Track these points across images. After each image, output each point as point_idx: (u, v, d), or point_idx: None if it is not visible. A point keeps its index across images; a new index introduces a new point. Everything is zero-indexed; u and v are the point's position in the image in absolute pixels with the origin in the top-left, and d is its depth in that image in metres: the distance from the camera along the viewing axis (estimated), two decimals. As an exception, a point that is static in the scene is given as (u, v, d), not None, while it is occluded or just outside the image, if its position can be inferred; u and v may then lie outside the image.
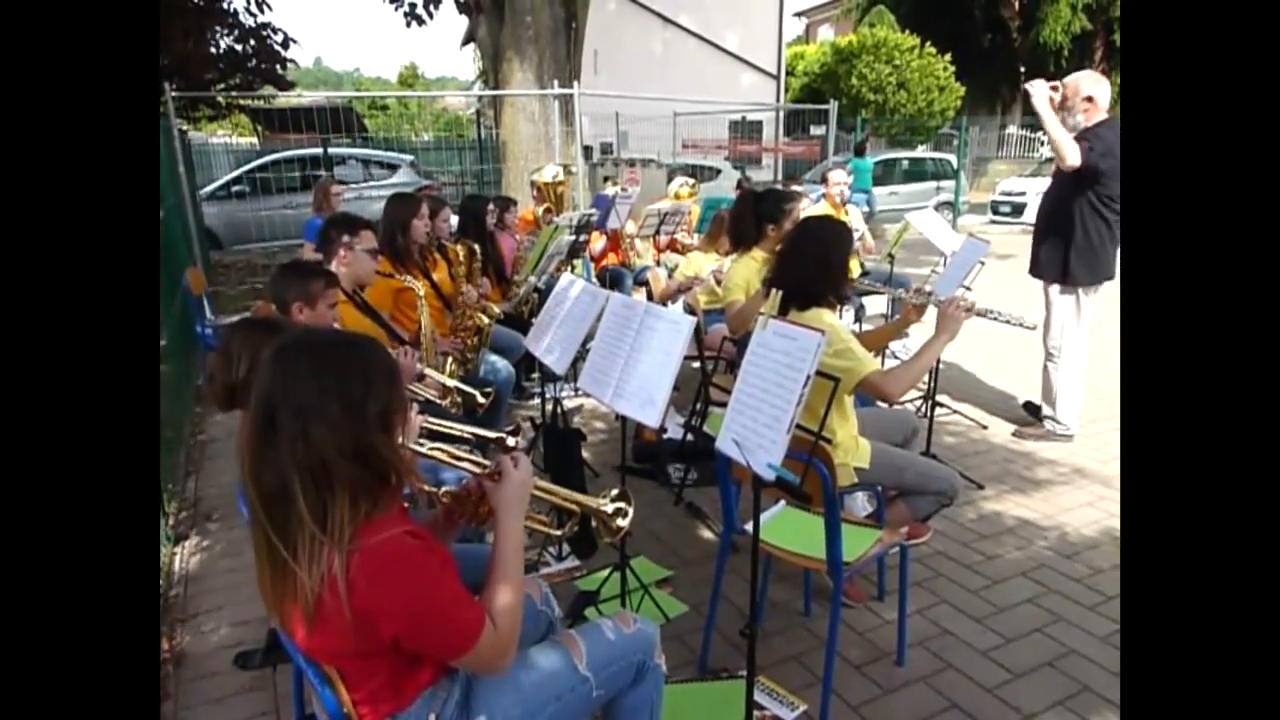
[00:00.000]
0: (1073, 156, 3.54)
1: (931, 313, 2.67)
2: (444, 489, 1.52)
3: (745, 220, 3.79)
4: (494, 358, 3.87)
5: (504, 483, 1.45)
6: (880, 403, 2.98)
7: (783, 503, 2.44)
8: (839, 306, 2.56)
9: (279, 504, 1.18)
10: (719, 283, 4.17)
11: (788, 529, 2.32)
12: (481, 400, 2.71)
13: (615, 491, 1.66)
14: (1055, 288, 3.91)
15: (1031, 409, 4.34)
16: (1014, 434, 4.19)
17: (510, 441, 1.56)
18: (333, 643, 1.24)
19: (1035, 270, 3.99)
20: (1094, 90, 3.65)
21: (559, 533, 1.70)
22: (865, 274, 5.18)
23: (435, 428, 1.74)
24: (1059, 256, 3.82)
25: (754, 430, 1.66)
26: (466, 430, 1.71)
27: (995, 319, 2.83)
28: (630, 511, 1.64)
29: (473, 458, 1.55)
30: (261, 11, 10.46)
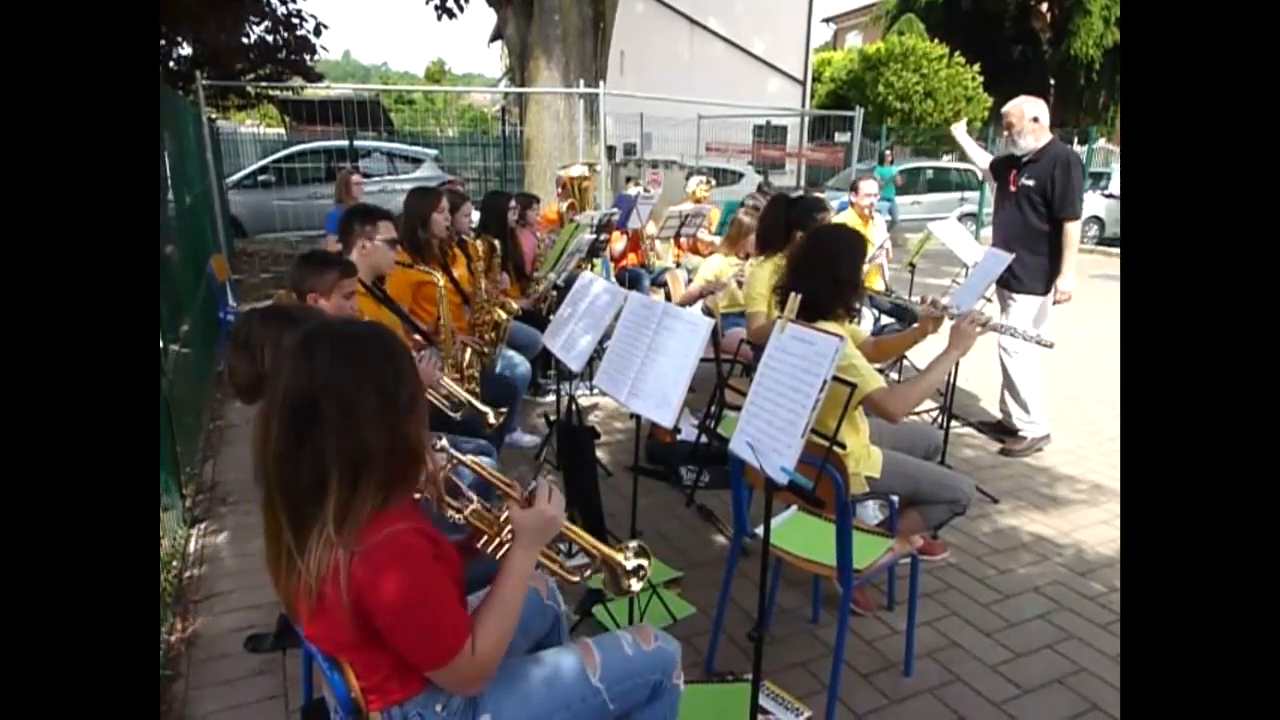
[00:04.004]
0: (1077, 232, 3.84)
1: (946, 325, 2.65)
2: (470, 508, 1.44)
3: (775, 225, 3.78)
4: (511, 353, 3.89)
5: (531, 510, 1.40)
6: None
7: (794, 508, 2.44)
8: (849, 319, 2.54)
9: (310, 497, 1.19)
10: (740, 285, 4.17)
11: (798, 534, 2.32)
12: (492, 421, 2.61)
13: (637, 544, 1.55)
14: (1028, 297, 3.96)
15: (1001, 428, 4.31)
16: (1000, 452, 4.15)
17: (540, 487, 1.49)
18: (333, 631, 1.25)
19: (1010, 284, 3.98)
20: (1037, 111, 3.87)
21: (575, 579, 1.54)
22: (889, 292, 5.15)
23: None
24: (1040, 269, 3.89)
25: (768, 433, 1.66)
26: (485, 470, 1.55)
27: (1012, 335, 2.79)
28: (648, 573, 1.54)
29: (505, 479, 1.49)
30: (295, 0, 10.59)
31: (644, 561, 1.54)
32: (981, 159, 4.41)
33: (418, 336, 3.19)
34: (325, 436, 1.18)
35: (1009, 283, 4.00)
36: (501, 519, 1.42)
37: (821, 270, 2.44)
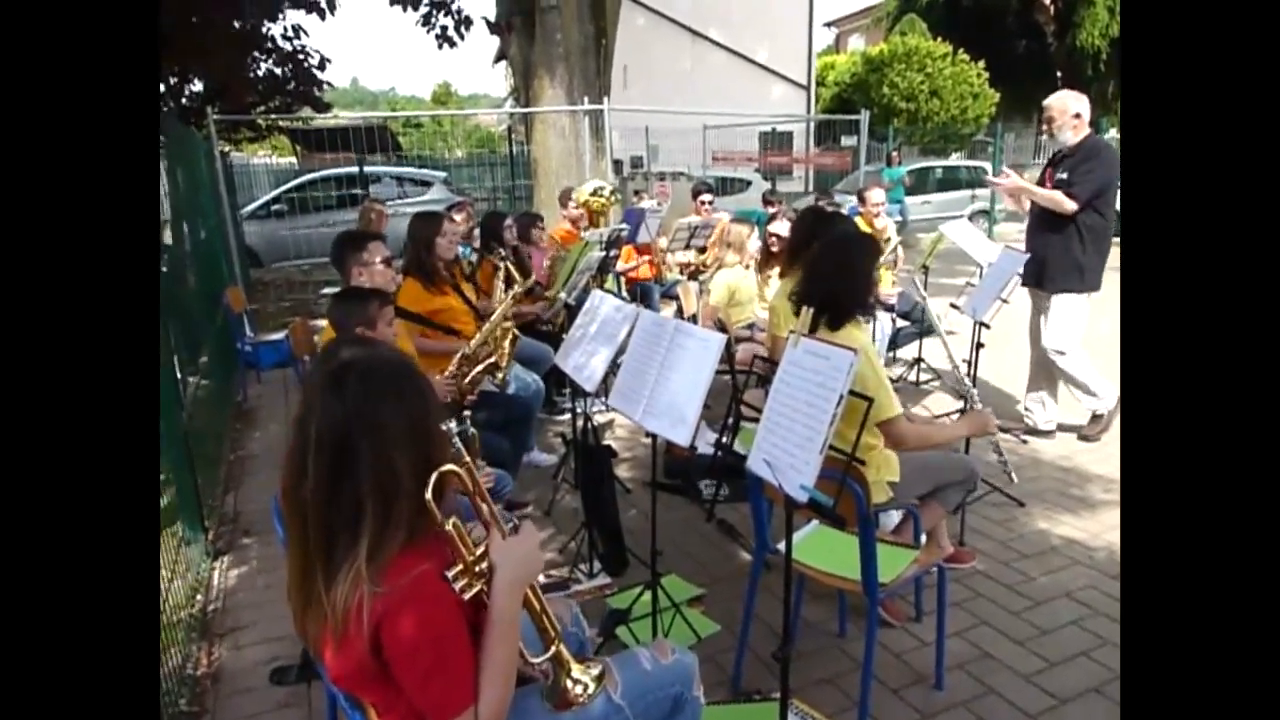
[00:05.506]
0: (1069, 204, 3.81)
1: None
2: (451, 519, 1.28)
3: (801, 239, 3.76)
4: (525, 373, 3.88)
5: (514, 541, 1.31)
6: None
7: (816, 521, 2.41)
8: (866, 319, 2.53)
9: (345, 533, 1.18)
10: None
11: (822, 548, 2.28)
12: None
13: (598, 671, 1.40)
14: (1064, 296, 3.95)
15: (1028, 430, 4.29)
16: (1080, 438, 4.18)
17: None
18: (352, 666, 1.23)
19: (1043, 283, 4.00)
20: (1080, 107, 3.87)
21: (536, 660, 1.38)
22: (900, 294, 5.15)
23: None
24: (1075, 265, 3.89)
25: (786, 450, 1.64)
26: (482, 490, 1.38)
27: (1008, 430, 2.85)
28: (592, 691, 1.38)
29: (495, 510, 1.36)
30: (299, 37, 10.78)
31: (589, 680, 1.38)
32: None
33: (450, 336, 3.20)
34: (361, 471, 1.18)
35: (1042, 282, 3.99)
36: (479, 551, 1.28)
37: (832, 276, 2.43)
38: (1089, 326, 4.06)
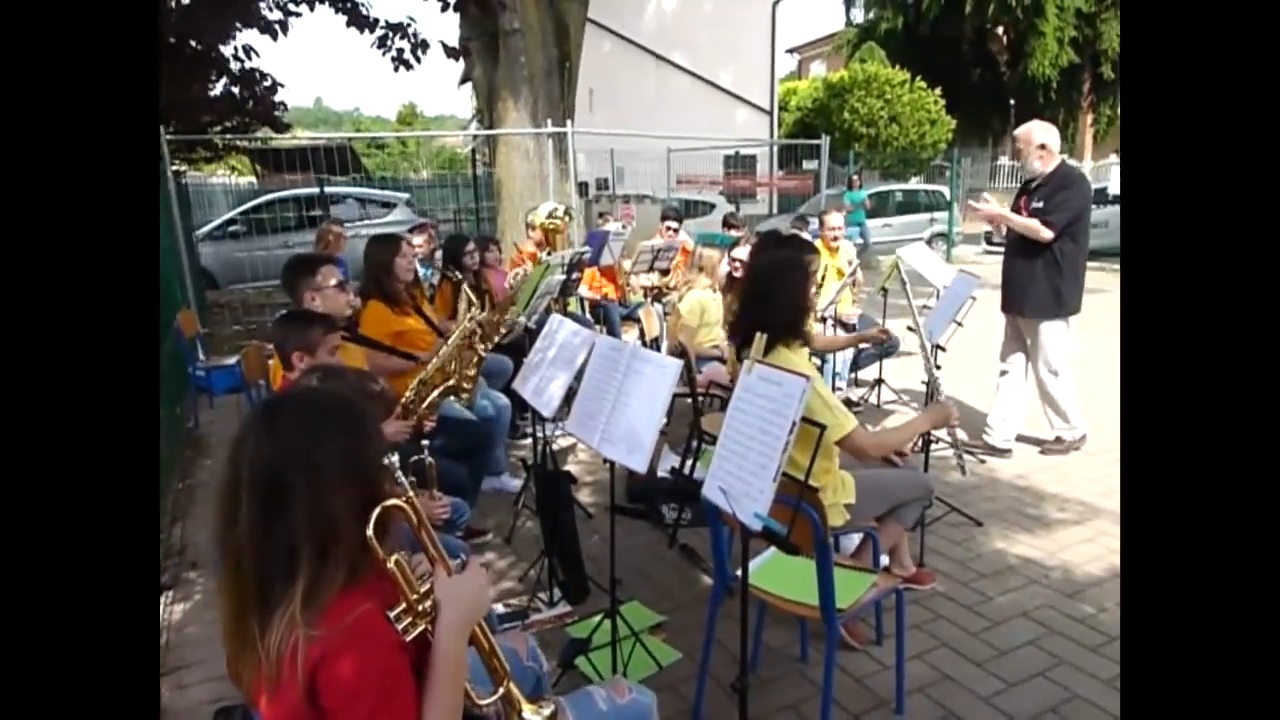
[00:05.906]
0: (1046, 233, 3.90)
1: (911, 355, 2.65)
2: (394, 556, 1.22)
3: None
4: (493, 393, 3.83)
5: (460, 579, 1.27)
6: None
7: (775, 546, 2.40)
8: (799, 343, 2.48)
9: (280, 576, 1.13)
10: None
11: (781, 574, 2.27)
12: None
13: (550, 711, 1.39)
14: (1050, 323, 4.04)
15: (987, 449, 4.36)
16: (1041, 452, 4.31)
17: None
18: (284, 715, 1.17)
19: (1024, 311, 4.10)
20: (1046, 138, 3.96)
21: (483, 703, 1.34)
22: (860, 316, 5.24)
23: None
24: (1050, 292, 3.98)
25: (740, 478, 1.63)
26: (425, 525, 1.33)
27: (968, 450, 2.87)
28: None
29: (439, 546, 1.31)
30: (250, 58, 10.60)
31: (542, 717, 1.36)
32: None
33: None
34: (295, 511, 1.13)
35: (1023, 310, 4.08)
36: (424, 589, 1.22)
37: (763, 298, 2.46)
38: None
